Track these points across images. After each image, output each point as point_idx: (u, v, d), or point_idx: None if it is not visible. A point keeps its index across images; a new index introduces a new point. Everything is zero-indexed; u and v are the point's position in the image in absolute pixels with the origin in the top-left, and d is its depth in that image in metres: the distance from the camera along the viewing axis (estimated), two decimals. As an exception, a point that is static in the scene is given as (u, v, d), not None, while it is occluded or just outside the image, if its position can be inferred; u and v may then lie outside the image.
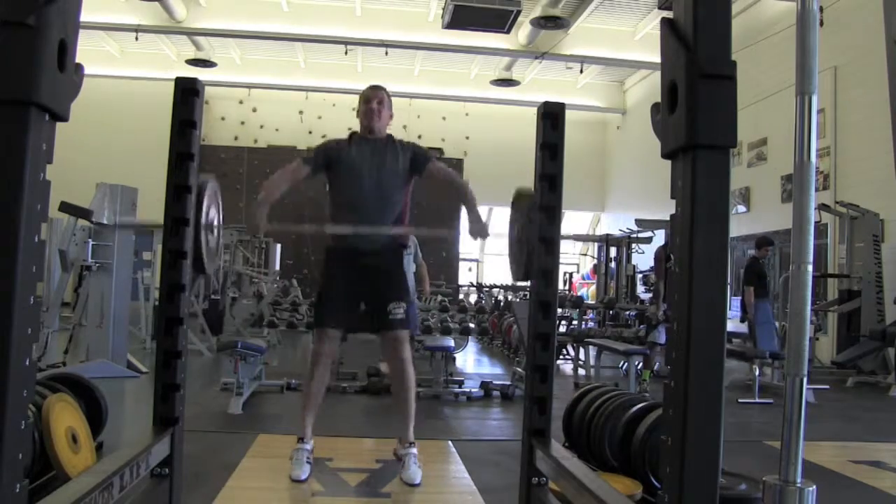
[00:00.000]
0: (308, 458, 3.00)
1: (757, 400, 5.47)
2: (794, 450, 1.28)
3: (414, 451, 3.03)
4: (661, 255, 6.47)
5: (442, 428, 4.29)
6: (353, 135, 3.19)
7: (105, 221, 5.75)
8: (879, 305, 7.34)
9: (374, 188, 3.04)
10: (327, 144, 3.18)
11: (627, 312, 8.80)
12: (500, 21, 9.98)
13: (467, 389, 5.38)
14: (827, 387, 6.31)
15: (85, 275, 6.01)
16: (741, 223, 10.48)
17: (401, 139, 3.21)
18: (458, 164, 15.68)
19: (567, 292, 12.98)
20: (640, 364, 5.89)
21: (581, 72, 13.58)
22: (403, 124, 14.72)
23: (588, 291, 15.14)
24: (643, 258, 11.57)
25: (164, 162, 2.15)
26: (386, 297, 3.06)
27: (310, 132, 14.83)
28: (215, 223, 2.40)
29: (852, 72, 8.45)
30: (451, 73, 14.71)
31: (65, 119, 1.18)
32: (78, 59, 1.23)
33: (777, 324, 7.40)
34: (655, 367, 6.50)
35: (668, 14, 1.32)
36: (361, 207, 3.04)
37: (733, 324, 9.11)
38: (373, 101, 3.12)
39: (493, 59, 13.37)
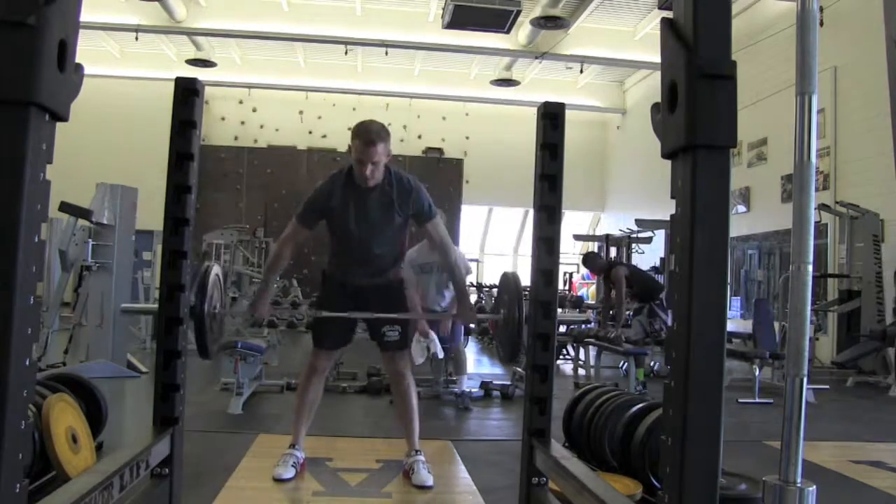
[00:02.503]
0: (295, 464, 3.01)
1: (757, 400, 5.47)
2: (794, 450, 1.28)
3: (421, 457, 3.04)
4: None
5: (442, 428, 4.28)
6: (348, 177, 2.95)
7: (105, 221, 5.75)
8: (879, 305, 7.33)
9: (370, 235, 2.96)
10: (317, 196, 2.97)
11: (627, 312, 8.79)
12: (500, 21, 9.96)
13: (467, 389, 5.37)
14: (827, 387, 6.31)
15: (85, 275, 6.01)
16: (741, 223, 10.48)
17: (399, 175, 2.97)
18: (458, 165, 15.69)
19: (567, 292, 12.97)
20: (625, 364, 5.98)
21: (581, 72, 13.56)
22: (403, 124, 14.73)
23: (588, 291, 15.13)
24: (643, 258, 11.57)
25: (165, 162, 2.16)
26: (381, 322, 3.04)
27: (310, 132, 14.83)
28: (217, 310, 2.47)
29: (852, 72, 8.45)
30: (451, 73, 14.70)
31: (65, 119, 1.18)
32: (78, 59, 1.23)
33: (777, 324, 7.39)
34: (655, 368, 6.51)
35: (668, 14, 1.32)
36: (359, 252, 3.00)
37: (733, 324, 9.12)
38: (366, 165, 2.83)
39: (493, 59, 13.35)
